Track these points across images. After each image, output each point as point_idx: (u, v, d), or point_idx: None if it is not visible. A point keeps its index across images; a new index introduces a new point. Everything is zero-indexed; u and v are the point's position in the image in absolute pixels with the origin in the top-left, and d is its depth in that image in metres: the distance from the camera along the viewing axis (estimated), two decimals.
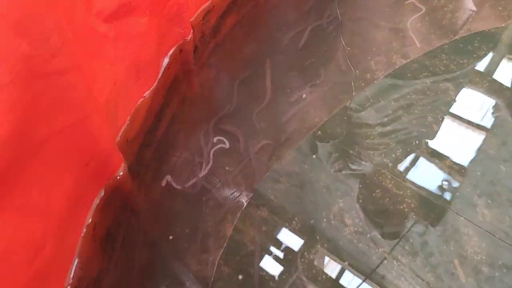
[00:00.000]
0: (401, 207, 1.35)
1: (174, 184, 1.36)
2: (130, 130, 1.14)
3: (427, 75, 1.59)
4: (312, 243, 1.31)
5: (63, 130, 0.78)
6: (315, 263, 1.28)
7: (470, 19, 1.73)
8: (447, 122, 1.50)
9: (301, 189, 1.40)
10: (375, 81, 1.59)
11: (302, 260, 1.28)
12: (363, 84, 1.59)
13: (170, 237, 1.31)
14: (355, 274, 1.28)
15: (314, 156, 1.47)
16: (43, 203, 0.75)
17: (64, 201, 0.83)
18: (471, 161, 1.42)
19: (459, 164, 1.41)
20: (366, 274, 1.29)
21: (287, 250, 1.31)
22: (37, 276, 0.73)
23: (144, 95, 1.19)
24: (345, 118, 1.52)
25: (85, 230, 0.94)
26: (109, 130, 0.96)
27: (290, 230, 1.34)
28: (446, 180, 1.40)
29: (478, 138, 1.46)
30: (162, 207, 1.35)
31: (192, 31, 1.31)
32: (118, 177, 1.04)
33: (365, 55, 1.66)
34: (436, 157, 1.43)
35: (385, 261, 1.28)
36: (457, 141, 1.46)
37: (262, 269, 1.28)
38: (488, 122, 1.49)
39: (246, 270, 1.28)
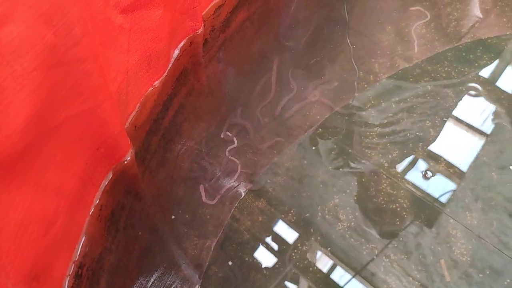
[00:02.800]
0: (394, 206, 1.40)
1: (175, 173, 1.41)
2: (139, 117, 1.19)
3: (428, 80, 1.63)
4: (306, 236, 1.36)
5: (78, 116, 0.83)
6: (308, 256, 1.34)
7: (476, 26, 1.77)
8: (447, 127, 1.55)
9: (299, 183, 1.46)
10: (377, 83, 1.63)
11: (295, 251, 1.34)
12: (365, 85, 1.63)
13: (172, 217, 1.37)
14: (345, 270, 1.34)
15: (314, 152, 1.52)
16: (57, 182, 0.81)
17: (76, 181, 0.88)
18: (467, 166, 1.47)
19: (454, 167, 1.46)
20: (356, 270, 1.35)
21: (282, 241, 1.37)
22: (49, 248, 0.79)
23: (154, 84, 1.23)
24: (346, 117, 1.57)
25: (92, 209, 0.99)
26: (120, 117, 1.01)
27: (285, 222, 1.40)
28: (428, 170, 1.45)
29: (476, 144, 1.51)
30: (164, 192, 1.40)
31: (203, 24, 1.35)
32: (125, 162, 1.09)
33: (369, 56, 1.70)
34: (432, 159, 1.48)
35: (375, 258, 1.34)
36: (455, 146, 1.51)
37: (256, 258, 1.34)
38: (487, 128, 1.54)
39: (241, 257, 1.33)
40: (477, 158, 1.48)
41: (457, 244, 1.32)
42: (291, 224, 1.38)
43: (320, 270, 1.32)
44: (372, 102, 1.60)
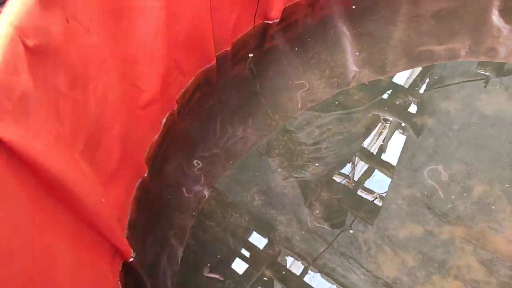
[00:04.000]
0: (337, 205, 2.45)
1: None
2: (150, 149, 2.34)
3: (334, 110, 2.80)
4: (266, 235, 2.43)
5: None
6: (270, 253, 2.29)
7: (356, 76, 2.98)
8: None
9: (252, 190, 2.53)
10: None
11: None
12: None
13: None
14: (301, 262, 2.11)
15: (265, 165, 2.58)
16: None
17: None
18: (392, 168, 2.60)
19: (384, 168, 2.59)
20: (309, 262, 2.08)
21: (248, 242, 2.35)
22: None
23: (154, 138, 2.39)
24: (286, 138, 2.70)
25: None
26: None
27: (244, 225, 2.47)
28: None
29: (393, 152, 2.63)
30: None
31: (176, 104, 2.55)
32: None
33: (284, 108, 2.91)
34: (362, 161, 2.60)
35: (327, 250, 2.17)
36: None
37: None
38: (400, 140, 2.66)
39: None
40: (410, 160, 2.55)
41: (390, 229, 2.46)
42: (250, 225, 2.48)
43: (282, 266, 2.17)
44: (304, 127, 2.72)
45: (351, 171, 2.61)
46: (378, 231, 2.27)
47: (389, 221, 2.30)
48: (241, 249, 2.29)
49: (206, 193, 2.50)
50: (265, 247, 2.27)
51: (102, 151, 1.68)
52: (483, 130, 2.65)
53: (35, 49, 1.20)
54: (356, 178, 2.56)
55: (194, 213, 2.39)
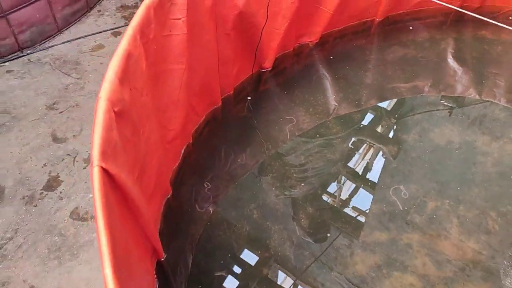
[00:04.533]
0: (324, 219, 3.19)
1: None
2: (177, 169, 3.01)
3: (319, 137, 3.51)
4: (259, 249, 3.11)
5: None
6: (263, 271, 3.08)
7: (334, 111, 3.71)
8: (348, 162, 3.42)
9: (251, 206, 3.22)
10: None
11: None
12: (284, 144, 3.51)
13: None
14: (288, 275, 2.73)
15: (259, 184, 3.28)
16: None
17: None
18: (374, 187, 3.33)
19: (365, 186, 3.32)
20: (297, 275, 2.52)
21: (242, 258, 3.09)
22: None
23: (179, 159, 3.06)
24: (277, 163, 3.39)
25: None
26: None
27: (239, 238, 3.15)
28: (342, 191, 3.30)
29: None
30: None
31: (191, 138, 3.22)
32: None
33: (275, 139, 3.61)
34: (345, 181, 3.30)
35: (314, 264, 2.81)
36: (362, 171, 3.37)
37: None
38: (380, 163, 3.40)
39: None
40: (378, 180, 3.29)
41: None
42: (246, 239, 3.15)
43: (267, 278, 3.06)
44: (295, 150, 3.43)
45: (335, 190, 3.30)
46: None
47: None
48: (241, 254, 2.94)
49: (214, 208, 3.16)
50: (261, 252, 2.93)
51: (146, 177, 2.35)
52: (436, 156, 3.39)
53: (118, 113, 1.88)
54: (340, 196, 3.26)
55: (205, 224, 3.05)
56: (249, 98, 3.71)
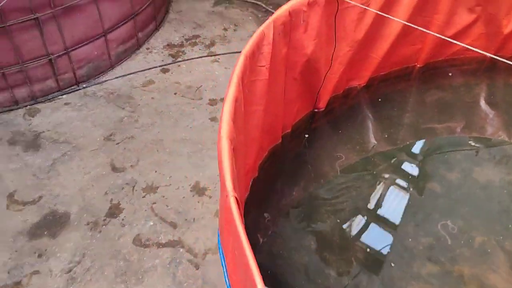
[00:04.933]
0: (347, 256, 3.42)
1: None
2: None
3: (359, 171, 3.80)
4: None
5: None
6: None
7: (376, 146, 4.01)
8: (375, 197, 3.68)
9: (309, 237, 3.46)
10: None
11: None
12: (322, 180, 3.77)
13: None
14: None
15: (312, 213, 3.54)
16: None
17: None
18: (397, 222, 3.57)
19: (388, 224, 3.56)
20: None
21: None
22: None
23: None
24: (308, 194, 3.65)
25: None
26: None
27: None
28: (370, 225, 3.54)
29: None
30: None
31: (258, 171, 3.50)
32: None
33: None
34: (370, 218, 3.57)
35: None
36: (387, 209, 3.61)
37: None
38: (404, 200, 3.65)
39: None
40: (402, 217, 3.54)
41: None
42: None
43: None
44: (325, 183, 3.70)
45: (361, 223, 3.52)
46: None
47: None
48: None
49: (274, 238, 3.40)
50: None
51: None
52: (476, 193, 3.66)
53: (233, 148, 2.18)
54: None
55: (268, 255, 3.27)
56: (306, 135, 4.00)
